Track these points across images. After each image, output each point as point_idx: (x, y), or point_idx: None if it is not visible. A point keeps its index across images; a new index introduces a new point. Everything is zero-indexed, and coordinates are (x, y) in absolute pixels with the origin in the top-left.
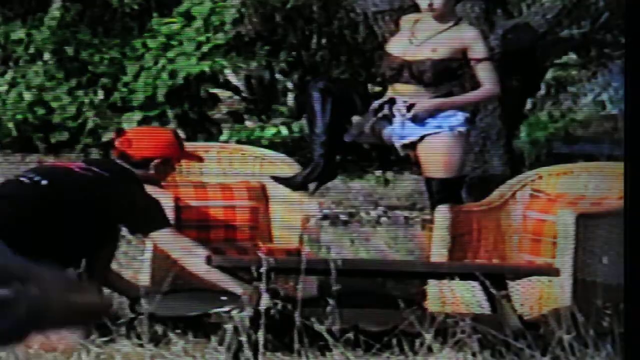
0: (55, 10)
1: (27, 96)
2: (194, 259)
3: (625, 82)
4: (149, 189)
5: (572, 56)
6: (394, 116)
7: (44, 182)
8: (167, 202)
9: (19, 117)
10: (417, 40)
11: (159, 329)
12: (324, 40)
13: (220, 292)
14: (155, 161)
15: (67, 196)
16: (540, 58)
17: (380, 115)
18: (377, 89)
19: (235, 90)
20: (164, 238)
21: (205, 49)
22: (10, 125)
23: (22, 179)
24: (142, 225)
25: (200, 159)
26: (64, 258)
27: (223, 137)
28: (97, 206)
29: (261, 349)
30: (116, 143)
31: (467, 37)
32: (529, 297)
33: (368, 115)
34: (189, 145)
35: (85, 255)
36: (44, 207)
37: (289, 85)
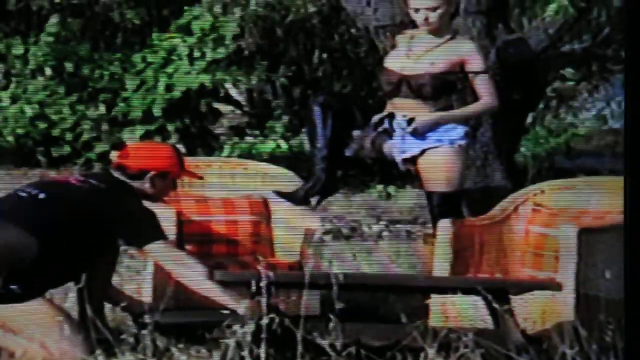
0: (51, 27)
1: (29, 111)
2: (189, 272)
3: (625, 95)
4: (150, 203)
5: (573, 70)
6: (394, 130)
7: (41, 195)
8: (169, 216)
9: (21, 131)
10: (414, 55)
11: (161, 343)
12: (325, 55)
13: (219, 307)
14: (151, 173)
15: (64, 209)
16: (541, 72)
17: (380, 129)
18: (374, 103)
19: (236, 104)
20: (158, 250)
21: (204, 63)
22: (12, 139)
23: (20, 193)
24: (136, 237)
25: (200, 178)
26: (63, 271)
27: (225, 152)
28: (93, 218)
29: None
30: (114, 156)
31: (464, 50)
32: (532, 311)
33: (368, 130)
34: (191, 160)
35: (85, 267)
36: (42, 221)
37: (287, 100)
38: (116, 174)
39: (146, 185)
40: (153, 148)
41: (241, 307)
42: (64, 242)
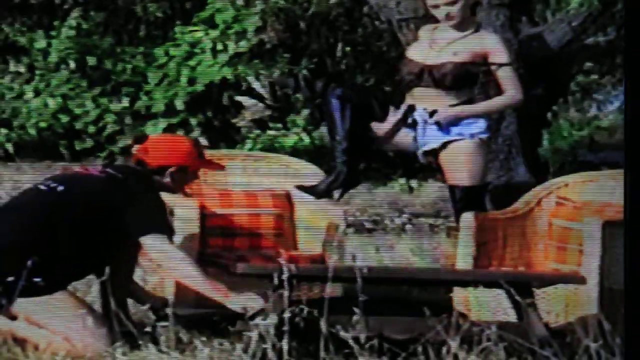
0: (72, 20)
1: (52, 104)
2: (179, 269)
3: (625, 88)
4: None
5: (597, 64)
6: (415, 123)
7: (60, 188)
8: (192, 209)
9: (44, 124)
10: (437, 46)
11: (184, 336)
12: (347, 48)
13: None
14: (171, 169)
15: (82, 200)
16: (565, 65)
17: (400, 122)
18: (393, 95)
19: (258, 97)
20: (153, 243)
21: (227, 56)
22: (35, 132)
23: (40, 186)
24: (138, 226)
25: (221, 167)
26: (84, 263)
27: (247, 145)
28: (111, 208)
29: (286, 356)
30: (134, 150)
31: (488, 42)
32: (555, 304)
33: (388, 122)
34: (213, 153)
35: (106, 259)
36: (61, 213)
37: (309, 93)
38: (135, 167)
39: (166, 180)
40: (172, 142)
41: (232, 303)
42: (83, 234)
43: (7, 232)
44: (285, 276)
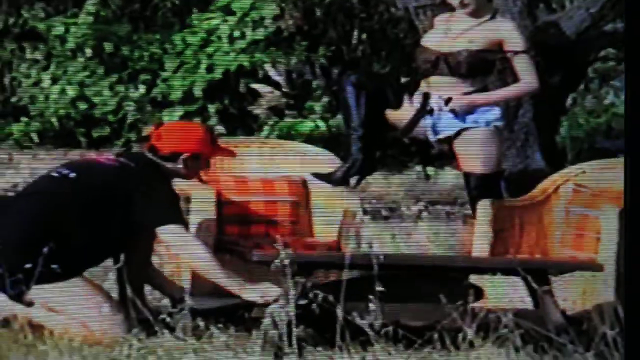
0: (90, 6)
1: (69, 91)
2: (197, 259)
3: (625, 81)
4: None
5: (615, 50)
6: (430, 110)
7: (72, 175)
8: (209, 196)
9: (61, 112)
10: (452, 33)
11: (201, 323)
12: (364, 35)
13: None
14: (184, 156)
15: (94, 188)
16: (583, 52)
17: (416, 109)
18: (408, 82)
19: (275, 85)
20: (170, 234)
21: (244, 43)
22: (53, 120)
23: (52, 173)
24: (153, 216)
25: (232, 154)
26: (97, 250)
27: (264, 132)
28: (121, 196)
29: (302, 343)
30: (147, 136)
31: (503, 29)
32: (572, 292)
33: (418, 115)
34: (230, 140)
35: (119, 247)
36: (73, 200)
37: (326, 80)
38: (149, 155)
39: (179, 167)
40: (185, 129)
41: (247, 294)
42: (94, 221)
43: (20, 219)
44: (301, 263)
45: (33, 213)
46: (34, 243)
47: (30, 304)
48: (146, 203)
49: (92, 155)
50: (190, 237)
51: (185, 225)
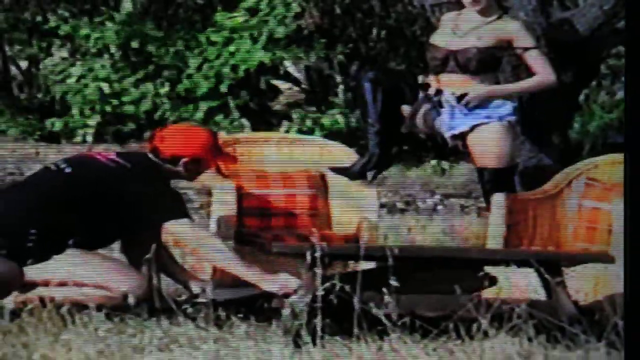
0: (127, 3)
1: (94, 87)
2: (213, 251)
3: (625, 81)
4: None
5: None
6: (442, 107)
7: (67, 170)
8: (230, 190)
9: (87, 107)
10: (461, 31)
11: (222, 313)
12: (382, 32)
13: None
14: (184, 160)
15: (86, 184)
16: (596, 49)
17: (429, 105)
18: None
19: (295, 81)
20: (180, 228)
21: (265, 41)
22: (78, 115)
23: (50, 166)
24: (157, 216)
25: (235, 160)
26: (92, 243)
27: (283, 127)
28: (115, 195)
29: (320, 333)
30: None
31: (511, 29)
32: (584, 283)
33: (417, 106)
34: (251, 135)
35: (105, 243)
36: (64, 194)
37: (344, 77)
38: (150, 156)
39: (179, 169)
40: (189, 133)
41: (265, 284)
42: (83, 216)
43: (7, 207)
44: (318, 255)
45: (20, 201)
46: (17, 230)
47: (28, 287)
48: (145, 202)
49: (89, 152)
50: (202, 230)
51: (192, 219)
